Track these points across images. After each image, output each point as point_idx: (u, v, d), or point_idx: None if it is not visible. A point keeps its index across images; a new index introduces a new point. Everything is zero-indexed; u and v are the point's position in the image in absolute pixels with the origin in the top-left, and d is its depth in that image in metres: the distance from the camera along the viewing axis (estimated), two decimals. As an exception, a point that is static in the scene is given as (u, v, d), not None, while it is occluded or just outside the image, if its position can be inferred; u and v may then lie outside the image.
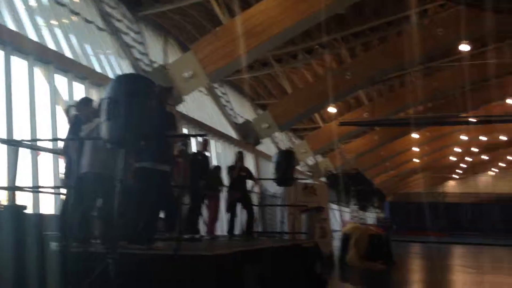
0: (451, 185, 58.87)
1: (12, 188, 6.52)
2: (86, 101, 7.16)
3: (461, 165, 52.20)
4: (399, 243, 22.21)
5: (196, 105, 18.54)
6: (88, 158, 6.34)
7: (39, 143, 9.87)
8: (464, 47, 20.25)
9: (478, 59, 22.64)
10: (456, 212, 40.03)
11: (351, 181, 31.82)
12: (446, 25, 18.64)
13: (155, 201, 6.54)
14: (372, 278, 11.45)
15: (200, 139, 12.60)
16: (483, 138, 38.70)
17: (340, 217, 35.18)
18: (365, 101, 26.23)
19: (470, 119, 25.59)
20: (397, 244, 18.99)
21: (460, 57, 22.56)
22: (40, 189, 9.68)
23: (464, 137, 37.58)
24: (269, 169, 13.57)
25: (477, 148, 42.98)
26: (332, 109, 24.66)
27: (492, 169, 55.87)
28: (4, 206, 6.24)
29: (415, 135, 33.20)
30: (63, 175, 7.00)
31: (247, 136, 20.84)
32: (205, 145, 10.96)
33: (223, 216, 12.82)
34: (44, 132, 10.37)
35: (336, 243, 14.89)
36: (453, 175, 57.09)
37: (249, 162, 20.27)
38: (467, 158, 48.66)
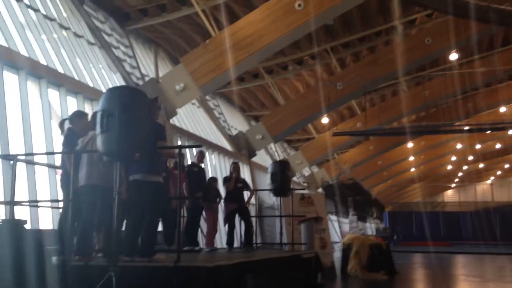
0: (450, 194, 58.75)
1: (10, 203, 6.45)
2: (79, 114, 7.14)
3: (458, 173, 52.10)
4: (400, 253, 22.05)
5: (190, 117, 18.48)
6: (85, 171, 6.30)
7: (35, 158, 9.85)
8: (453, 56, 20.35)
9: (467, 68, 22.73)
10: (456, 221, 39.92)
11: (348, 191, 31.67)
12: (434, 34, 18.70)
13: (153, 213, 6.44)
14: (375, 288, 11.26)
15: (195, 151, 12.52)
16: (478, 146, 38.66)
17: (339, 228, 35.02)
18: (358, 111, 26.23)
19: (463, 127, 25.56)
20: (398, 254, 18.81)
21: (450, 66, 22.68)
22: (39, 203, 9.59)
23: (459, 146, 37.53)
24: (265, 180, 13.45)
25: (473, 157, 42.92)
26: (325, 120, 24.65)
27: (490, 177, 55.81)
28: (3, 220, 6.16)
29: (410, 144, 33.21)
30: (61, 189, 6.94)
31: (241, 148, 20.76)
32: (200, 157, 10.89)
33: (221, 228, 12.70)
34: (39, 146, 10.25)
35: (337, 254, 14.70)
36: (451, 184, 56.97)
37: (245, 174, 20.18)
38: (463, 167, 48.57)
